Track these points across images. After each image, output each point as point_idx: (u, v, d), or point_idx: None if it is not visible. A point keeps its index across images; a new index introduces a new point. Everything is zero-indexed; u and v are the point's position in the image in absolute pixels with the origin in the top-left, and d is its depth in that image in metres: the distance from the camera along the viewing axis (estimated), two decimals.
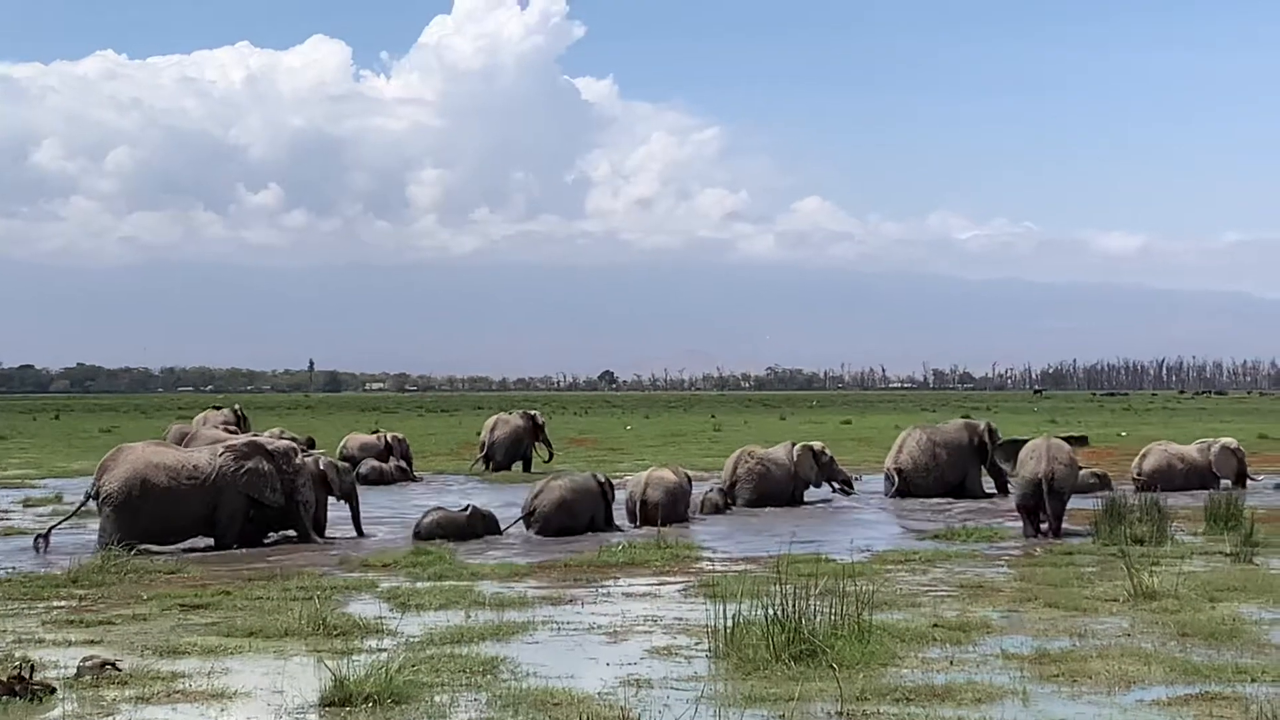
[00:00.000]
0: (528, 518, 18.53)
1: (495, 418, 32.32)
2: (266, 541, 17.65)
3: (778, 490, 23.27)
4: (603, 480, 19.39)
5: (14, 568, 15.02)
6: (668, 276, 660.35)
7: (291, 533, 17.94)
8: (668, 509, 19.38)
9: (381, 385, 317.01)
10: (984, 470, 24.82)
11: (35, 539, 16.89)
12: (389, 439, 30.14)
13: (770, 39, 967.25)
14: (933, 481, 24.32)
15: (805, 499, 23.69)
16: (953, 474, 24.47)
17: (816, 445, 24.41)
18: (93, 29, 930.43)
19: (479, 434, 33.20)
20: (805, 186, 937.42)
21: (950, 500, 23.68)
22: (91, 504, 17.16)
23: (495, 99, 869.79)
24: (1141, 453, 26.21)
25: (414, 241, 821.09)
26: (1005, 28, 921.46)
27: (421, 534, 17.50)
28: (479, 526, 17.88)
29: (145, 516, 16.67)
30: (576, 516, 18.65)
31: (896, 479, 24.53)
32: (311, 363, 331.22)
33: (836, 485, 24.34)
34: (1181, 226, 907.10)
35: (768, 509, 22.43)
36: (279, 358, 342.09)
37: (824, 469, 24.09)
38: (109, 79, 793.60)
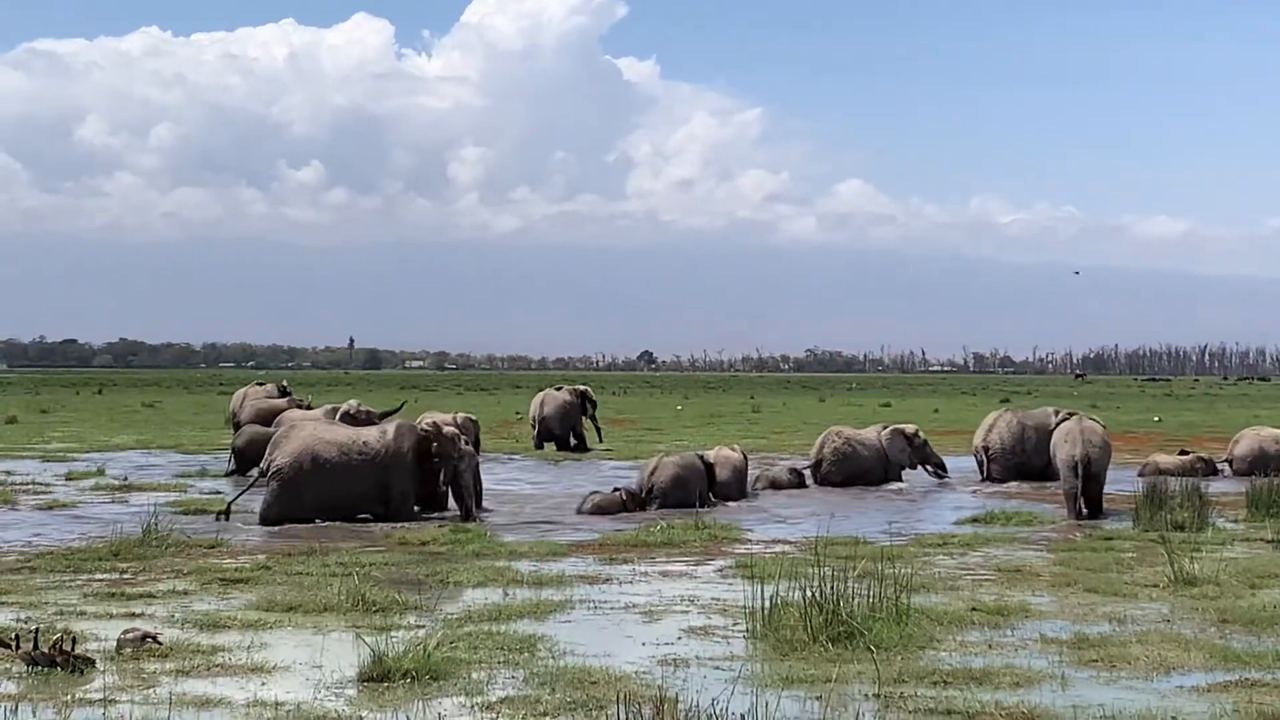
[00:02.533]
0: (648, 493, 19.24)
1: (543, 393, 32.04)
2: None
3: (865, 471, 23.48)
4: (709, 459, 20.42)
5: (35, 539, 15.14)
6: (708, 258, 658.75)
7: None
8: (736, 486, 20.76)
9: (421, 363, 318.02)
10: None
11: (217, 514, 17.18)
12: (460, 419, 29.82)
13: (813, 23, 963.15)
14: (1019, 464, 24.16)
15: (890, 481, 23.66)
16: (1039, 458, 24.17)
17: (909, 428, 24.51)
18: (137, 5, 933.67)
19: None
20: (846, 169, 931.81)
21: (1032, 484, 23.13)
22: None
23: (537, 78, 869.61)
24: (1235, 438, 26.03)
25: (454, 220, 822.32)
26: (1048, 16, 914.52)
27: (584, 511, 18.60)
28: (631, 504, 18.98)
29: (314, 491, 17.13)
30: (689, 492, 19.45)
31: (985, 460, 24.48)
32: (351, 340, 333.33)
33: (930, 468, 24.34)
34: (1225, 212, 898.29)
35: (851, 489, 22.74)
36: (319, 335, 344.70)
37: (917, 451, 24.17)
38: (153, 55, 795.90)
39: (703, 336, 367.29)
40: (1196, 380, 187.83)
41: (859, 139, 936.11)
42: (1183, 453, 25.68)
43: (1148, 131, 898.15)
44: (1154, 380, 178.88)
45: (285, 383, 32.29)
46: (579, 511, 18.56)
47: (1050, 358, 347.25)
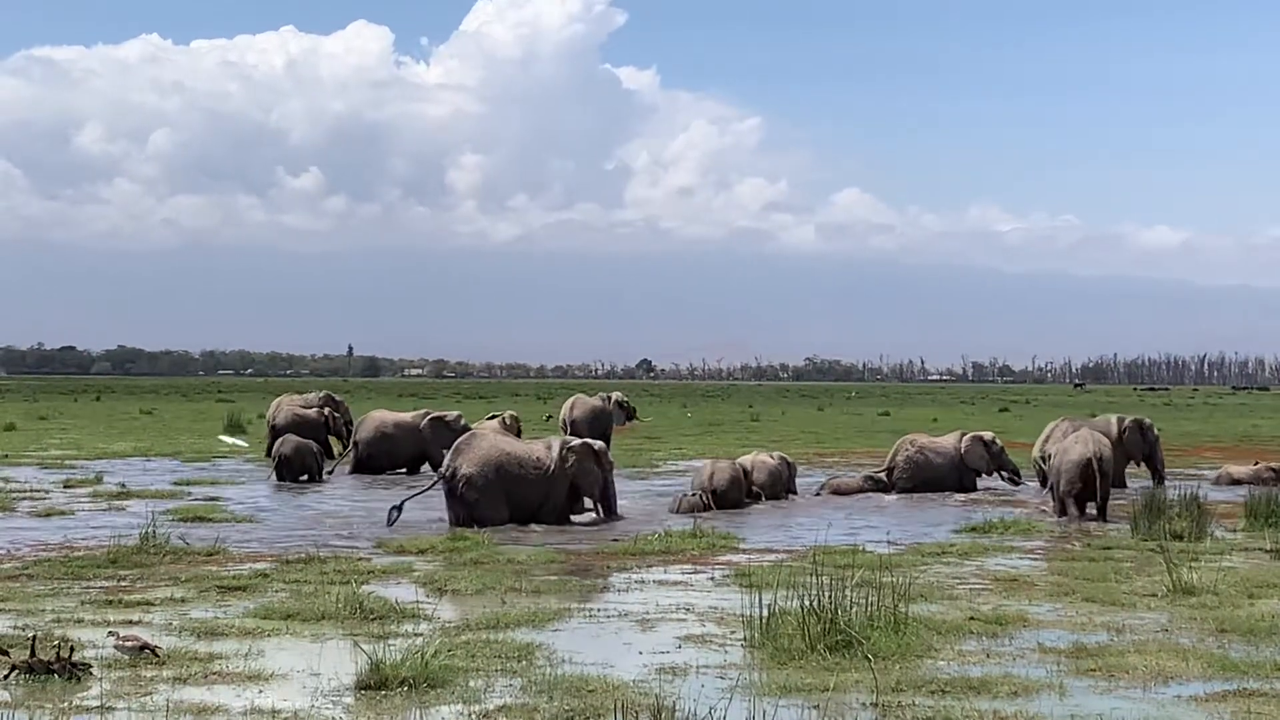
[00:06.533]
0: (712, 494, 20.03)
1: (574, 398, 32.52)
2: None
3: (938, 478, 23.52)
4: (745, 465, 21.55)
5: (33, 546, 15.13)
6: (707, 266, 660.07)
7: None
8: (770, 489, 21.75)
9: (419, 371, 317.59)
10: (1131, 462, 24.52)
11: (390, 509, 17.89)
12: (508, 418, 29.69)
13: (811, 31, 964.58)
14: None
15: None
16: None
17: (987, 435, 24.52)
18: (135, 13, 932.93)
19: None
20: (845, 178, 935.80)
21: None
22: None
23: (535, 86, 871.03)
24: None
25: (453, 228, 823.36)
26: (1046, 25, 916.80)
27: (680, 511, 19.47)
28: (711, 504, 19.95)
29: (495, 499, 17.99)
30: (742, 494, 20.78)
31: (1044, 468, 24.29)
32: (350, 348, 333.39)
33: (1006, 475, 24.24)
34: (1223, 222, 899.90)
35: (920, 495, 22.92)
36: (318, 342, 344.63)
37: (995, 458, 24.14)
38: (151, 62, 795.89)
39: (702, 345, 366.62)
40: (1195, 389, 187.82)
41: (858, 148, 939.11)
42: (1255, 463, 25.70)
43: (1147, 140, 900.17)
44: (1153, 389, 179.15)
45: (327, 392, 32.61)
46: (673, 512, 19.48)
47: (1049, 367, 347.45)
